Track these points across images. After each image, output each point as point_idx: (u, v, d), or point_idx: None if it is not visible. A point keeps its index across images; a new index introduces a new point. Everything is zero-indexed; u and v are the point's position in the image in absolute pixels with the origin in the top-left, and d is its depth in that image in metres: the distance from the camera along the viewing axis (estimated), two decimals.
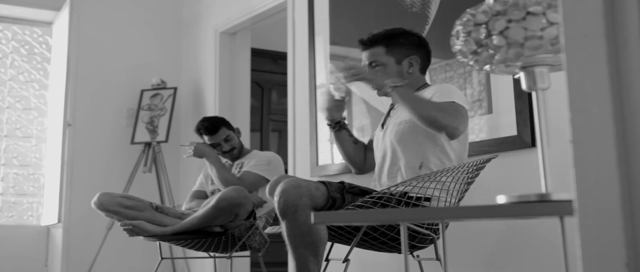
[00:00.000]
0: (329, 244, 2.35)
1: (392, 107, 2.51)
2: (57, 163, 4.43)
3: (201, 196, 3.55)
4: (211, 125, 3.50)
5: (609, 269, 0.66)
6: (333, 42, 3.47)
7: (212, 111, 4.50)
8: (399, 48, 2.39)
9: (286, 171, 3.76)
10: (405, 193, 2.16)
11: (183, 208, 3.50)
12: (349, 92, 2.54)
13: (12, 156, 4.77)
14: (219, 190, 3.24)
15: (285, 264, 3.71)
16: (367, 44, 2.43)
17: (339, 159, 3.30)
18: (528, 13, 1.17)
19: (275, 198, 2.10)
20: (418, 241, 2.24)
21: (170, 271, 4.63)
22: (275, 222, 3.16)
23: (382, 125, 2.49)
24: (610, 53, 0.68)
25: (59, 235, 4.50)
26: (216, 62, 4.60)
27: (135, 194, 3.35)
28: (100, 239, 4.31)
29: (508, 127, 2.50)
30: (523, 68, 1.25)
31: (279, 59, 5.35)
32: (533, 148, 2.40)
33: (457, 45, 1.28)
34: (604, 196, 0.67)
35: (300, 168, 3.61)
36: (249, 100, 4.78)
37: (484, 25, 1.21)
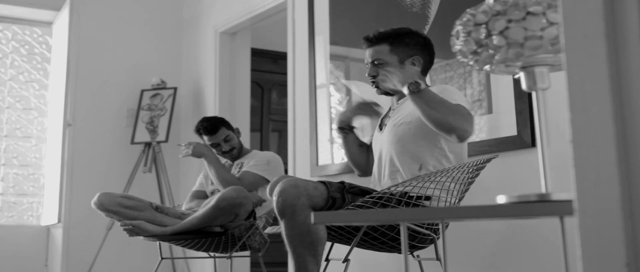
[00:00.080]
0: (328, 244, 2.35)
1: (390, 108, 2.51)
2: (57, 163, 4.43)
3: (201, 196, 3.55)
4: (211, 126, 3.49)
5: (609, 269, 0.66)
6: (333, 42, 3.47)
7: (212, 111, 4.50)
8: (403, 47, 2.38)
9: (286, 171, 3.76)
10: (406, 193, 2.16)
11: (183, 208, 3.50)
12: (348, 93, 2.55)
13: (12, 156, 4.77)
14: (219, 190, 3.24)
15: (285, 264, 3.71)
16: (372, 41, 2.43)
17: (339, 159, 3.31)
18: (528, 13, 1.17)
19: (274, 198, 2.11)
20: (418, 241, 2.24)
21: (170, 271, 4.63)
22: (275, 222, 3.16)
23: (380, 127, 2.49)
24: (610, 53, 0.68)
25: (59, 235, 4.50)
26: (216, 62, 4.60)
27: (135, 194, 3.35)
28: (100, 239, 4.31)
29: (508, 127, 2.50)
30: (523, 68, 1.25)
31: (279, 59, 5.35)
32: (533, 148, 2.40)
33: (457, 45, 1.28)
34: (604, 196, 0.67)
35: (300, 168, 3.61)
36: (249, 100, 4.78)
37: (484, 25, 1.21)
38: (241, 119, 4.58)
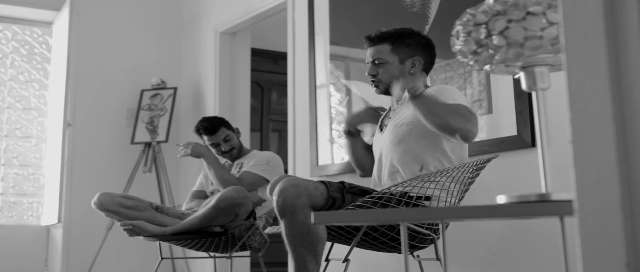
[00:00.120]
0: (328, 244, 2.35)
1: (390, 108, 2.50)
2: (57, 163, 4.43)
3: (201, 196, 3.55)
4: (210, 126, 3.49)
5: (609, 269, 0.66)
6: (333, 42, 3.47)
7: (212, 111, 4.50)
8: (404, 48, 2.39)
9: (286, 171, 3.76)
10: (406, 193, 2.16)
11: (183, 208, 3.50)
12: (348, 93, 2.54)
13: (12, 156, 4.77)
14: (219, 190, 3.24)
15: (285, 264, 3.71)
16: (373, 40, 2.43)
17: (339, 159, 3.31)
18: (528, 13, 1.17)
19: (274, 197, 2.11)
20: (418, 241, 2.24)
21: (170, 271, 4.63)
22: (275, 222, 3.16)
23: (381, 128, 2.48)
24: (610, 53, 0.68)
25: (59, 235, 4.50)
26: (216, 62, 4.60)
27: (135, 194, 3.35)
28: (100, 239, 4.31)
29: (508, 127, 2.50)
30: (523, 68, 1.25)
31: (279, 59, 5.35)
32: (533, 148, 2.40)
33: (457, 45, 1.28)
34: (604, 196, 0.67)
35: (300, 168, 3.61)
36: (249, 100, 4.78)
37: (484, 25, 1.21)
38: (241, 119, 4.58)
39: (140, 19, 4.97)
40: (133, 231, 3.02)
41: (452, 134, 2.12)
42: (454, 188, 2.16)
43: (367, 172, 2.62)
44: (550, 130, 2.16)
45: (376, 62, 2.42)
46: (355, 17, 3.33)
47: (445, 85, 2.44)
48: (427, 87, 2.41)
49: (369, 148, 2.62)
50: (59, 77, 4.55)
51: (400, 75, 2.39)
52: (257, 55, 5.26)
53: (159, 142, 4.55)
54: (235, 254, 3.36)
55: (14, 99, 4.84)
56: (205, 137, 3.52)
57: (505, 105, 2.52)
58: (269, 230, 2.84)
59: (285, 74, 3.94)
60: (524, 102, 2.44)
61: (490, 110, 2.59)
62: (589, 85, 0.69)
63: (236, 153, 3.55)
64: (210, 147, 3.52)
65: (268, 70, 5.56)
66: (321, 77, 3.51)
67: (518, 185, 2.41)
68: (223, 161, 3.59)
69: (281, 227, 2.12)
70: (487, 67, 1.26)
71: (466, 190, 2.25)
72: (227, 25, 4.55)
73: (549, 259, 2.30)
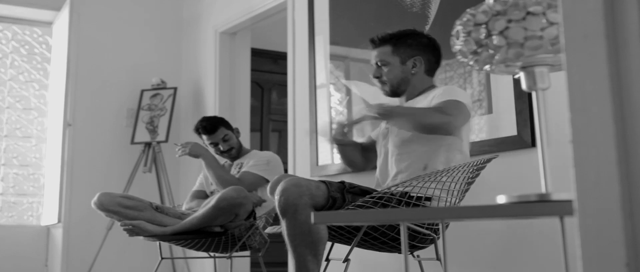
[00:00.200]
0: (329, 244, 2.34)
1: None
2: (57, 163, 4.43)
3: (201, 196, 3.55)
4: (209, 125, 3.50)
5: (609, 269, 0.66)
6: (333, 42, 3.47)
7: (212, 111, 4.50)
8: (404, 48, 2.40)
9: (286, 171, 3.76)
10: (406, 193, 2.16)
11: (183, 208, 3.50)
12: (348, 93, 2.55)
13: (12, 156, 4.77)
14: (219, 190, 3.24)
15: (285, 264, 3.71)
16: (376, 42, 2.45)
17: (338, 159, 3.31)
18: (528, 13, 1.17)
19: (276, 197, 2.10)
20: (418, 241, 2.24)
21: (170, 271, 4.63)
22: (275, 222, 3.16)
23: (386, 128, 2.48)
24: (610, 53, 0.68)
25: (59, 235, 4.50)
26: (216, 62, 4.60)
27: (135, 194, 3.35)
28: (100, 239, 4.31)
29: (508, 127, 2.50)
30: (523, 68, 1.25)
31: (279, 59, 5.35)
32: (533, 148, 2.40)
33: (457, 45, 1.28)
34: (604, 196, 0.67)
35: (300, 168, 3.61)
36: (249, 100, 4.78)
37: (484, 25, 1.21)
38: (241, 119, 4.58)
39: (140, 19, 4.97)
40: (133, 231, 3.02)
41: (436, 131, 2.20)
42: (454, 188, 2.16)
43: (360, 168, 2.63)
44: (550, 131, 2.16)
45: (379, 63, 2.43)
46: (355, 17, 3.33)
47: (448, 86, 2.44)
48: (433, 87, 2.41)
49: (358, 145, 2.62)
50: (59, 77, 4.55)
51: (403, 75, 2.39)
52: (257, 55, 5.26)
53: (159, 142, 4.55)
54: (235, 254, 3.36)
55: (14, 99, 4.84)
56: (204, 137, 3.52)
57: (505, 105, 2.52)
58: (269, 230, 2.84)
59: (285, 74, 3.94)
60: (524, 102, 2.44)
61: (490, 110, 2.59)
62: (589, 85, 0.69)
63: (235, 153, 3.55)
64: (209, 147, 3.52)
65: (268, 70, 5.56)
66: (321, 77, 3.51)
67: (518, 185, 2.41)
68: (223, 161, 3.59)
69: (282, 227, 2.12)
70: (487, 67, 1.26)
71: (466, 190, 2.25)
72: (227, 25, 4.55)
73: (549, 259, 2.30)
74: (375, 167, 2.54)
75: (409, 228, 2.16)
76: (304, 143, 3.59)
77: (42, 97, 4.91)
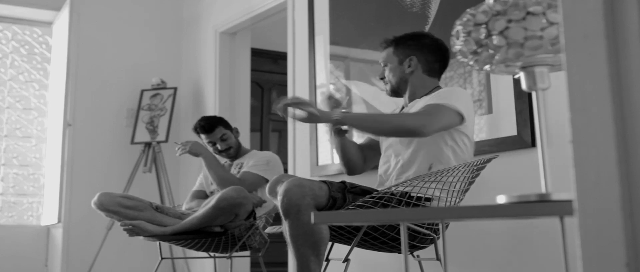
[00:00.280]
0: (329, 244, 2.34)
1: (402, 107, 2.50)
2: (57, 163, 4.43)
3: (201, 196, 3.55)
4: (207, 124, 3.51)
5: (609, 269, 0.66)
6: (333, 42, 3.47)
7: (212, 111, 4.50)
8: (403, 48, 2.42)
9: (286, 171, 3.76)
10: (406, 193, 2.16)
11: (183, 208, 3.51)
12: (348, 93, 2.55)
13: (12, 156, 4.77)
14: (219, 190, 3.24)
15: (285, 264, 3.71)
16: (383, 45, 2.49)
17: (338, 159, 3.30)
18: (528, 13, 1.17)
19: (278, 197, 2.10)
20: (418, 241, 2.24)
21: (170, 271, 4.63)
22: (275, 222, 3.16)
23: None
24: (610, 53, 0.68)
25: (59, 235, 4.50)
26: (216, 62, 4.60)
27: (135, 194, 3.35)
28: (100, 239, 4.31)
29: (508, 127, 2.50)
30: (523, 68, 1.25)
31: (279, 59, 5.35)
32: (533, 148, 2.40)
33: (457, 45, 1.28)
34: (604, 196, 0.67)
35: (300, 168, 3.61)
36: (249, 100, 4.78)
37: (484, 25, 1.21)
38: (241, 119, 4.58)
39: (140, 19, 4.97)
40: (133, 231, 3.02)
41: (401, 134, 2.26)
42: (454, 188, 2.16)
43: (360, 170, 2.61)
44: (550, 131, 2.16)
45: (383, 65, 2.48)
46: (355, 17, 3.33)
47: (449, 87, 2.44)
48: (438, 88, 2.40)
49: (358, 147, 2.61)
50: (59, 77, 4.55)
51: (400, 75, 2.41)
52: (257, 55, 5.26)
53: (159, 142, 4.55)
54: (235, 254, 3.36)
55: (14, 99, 4.84)
56: (202, 136, 3.53)
57: (505, 105, 2.52)
58: (269, 230, 2.84)
59: (285, 74, 3.94)
60: (524, 102, 2.44)
61: (490, 110, 2.59)
62: (589, 85, 0.69)
63: (233, 152, 3.56)
64: (207, 146, 3.52)
65: (268, 70, 5.56)
66: (321, 77, 3.51)
67: (518, 185, 2.41)
68: (223, 160, 3.60)
69: (285, 227, 2.12)
70: (487, 67, 1.26)
71: (466, 190, 2.25)
72: (227, 25, 4.55)
73: (549, 259, 2.30)
74: (375, 168, 2.54)
75: (409, 228, 2.16)
76: (304, 143, 3.59)
77: (42, 97, 4.91)
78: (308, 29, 3.63)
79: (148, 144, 4.58)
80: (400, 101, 2.56)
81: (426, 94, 2.37)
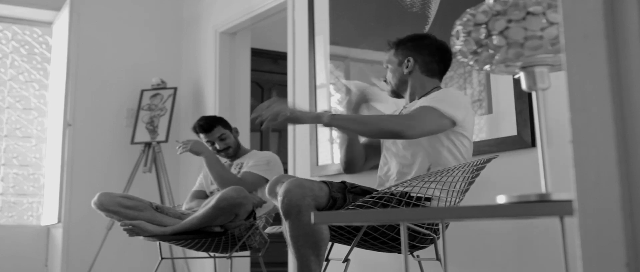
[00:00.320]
0: (329, 244, 2.34)
1: (404, 107, 2.50)
2: (57, 163, 4.43)
3: (201, 196, 3.55)
4: (206, 124, 3.52)
5: (609, 269, 0.66)
6: (333, 42, 3.47)
7: (212, 111, 4.50)
8: (402, 50, 2.43)
9: (286, 171, 3.76)
10: (406, 193, 2.16)
11: (183, 208, 3.50)
12: (349, 92, 2.55)
13: (12, 156, 4.77)
14: (219, 190, 3.24)
15: (285, 264, 3.71)
16: (387, 47, 2.51)
17: (338, 159, 3.30)
18: (528, 13, 1.17)
19: (279, 198, 2.10)
20: (418, 241, 2.24)
21: (170, 271, 4.63)
22: (275, 222, 3.16)
23: None
24: (610, 53, 0.68)
25: (59, 235, 4.50)
26: (216, 62, 4.60)
27: (135, 194, 3.35)
28: (100, 239, 4.31)
29: (508, 127, 2.50)
30: (523, 68, 1.25)
31: (279, 59, 5.35)
32: (533, 148, 2.40)
33: (457, 45, 1.28)
34: (604, 196, 0.67)
35: (300, 168, 3.61)
36: (249, 100, 4.78)
37: (484, 25, 1.21)
38: (241, 119, 4.58)
39: (140, 19, 4.97)
40: (133, 231, 3.02)
41: (385, 136, 2.31)
42: (454, 188, 2.16)
43: (354, 169, 2.59)
44: (550, 131, 2.16)
45: (386, 66, 2.49)
46: (355, 17, 3.33)
47: (445, 89, 2.43)
48: (438, 88, 2.40)
49: (362, 145, 2.60)
50: (59, 77, 4.55)
51: (399, 76, 2.42)
52: (257, 55, 5.26)
53: (159, 142, 4.55)
54: (235, 254, 3.36)
55: (14, 99, 4.84)
56: (201, 135, 3.54)
57: (505, 105, 2.52)
58: (269, 230, 2.84)
59: (285, 74, 3.94)
60: (524, 102, 2.44)
61: (490, 110, 2.59)
62: (589, 85, 0.69)
63: (232, 152, 3.56)
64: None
65: (268, 70, 5.56)
66: (321, 77, 3.51)
67: (518, 185, 2.41)
68: (223, 160, 3.60)
69: (285, 228, 2.12)
70: (487, 67, 1.26)
71: (466, 190, 2.25)
72: (227, 25, 4.55)
73: (549, 259, 2.30)
74: (374, 168, 2.54)
75: (409, 228, 2.16)
76: (304, 143, 3.59)
77: (42, 97, 4.91)
78: (308, 29, 3.63)
79: (148, 144, 4.58)
80: (401, 102, 2.57)
81: (425, 95, 2.37)
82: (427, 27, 2.87)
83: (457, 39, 1.27)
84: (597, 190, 0.68)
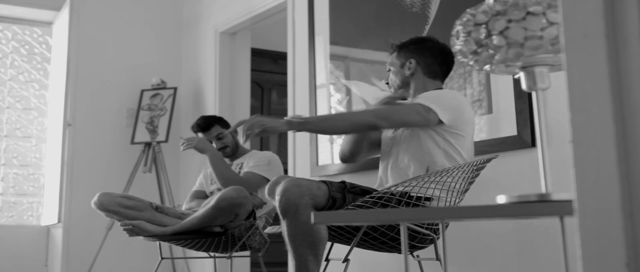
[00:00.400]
0: (328, 244, 2.34)
1: None
2: (57, 163, 4.43)
3: (201, 196, 3.55)
4: (203, 123, 3.53)
5: (609, 269, 0.66)
6: (333, 42, 3.47)
7: (212, 111, 4.50)
8: (405, 52, 2.45)
9: (286, 171, 3.76)
10: (406, 193, 2.16)
11: (183, 208, 3.51)
12: (349, 92, 2.55)
13: (12, 156, 4.77)
14: (219, 190, 3.24)
15: (285, 264, 3.71)
16: (391, 49, 2.52)
17: (338, 159, 3.30)
18: (528, 13, 1.17)
19: (277, 197, 2.10)
20: (418, 241, 2.24)
21: (170, 271, 4.63)
22: (275, 222, 3.16)
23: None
24: (610, 53, 0.68)
25: (59, 235, 4.50)
26: (216, 62, 4.60)
27: (135, 194, 3.35)
28: (100, 239, 4.31)
29: (508, 127, 2.50)
30: (523, 68, 1.25)
31: (279, 59, 5.35)
32: (533, 148, 2.40)
33: (457, 45, 1.28)
34: (604, 196, 0.67)
35: (300, 168, 3.61)
36: (249, 100, 4.78)
37: (484, 25, 1.21)
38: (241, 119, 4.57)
39: (140, 19, 4.97)
40: (133, 231, 3.02)
41: (368, 129, 2.33)
42: (454, 188, 2.16)
43: (351, 159, 2.58)
44: (550, 131, 2.16)
45: (388, 69, 2.50)
46: (355, 17, 3.33)
47: (438, 90, 2.42)
48: (439, 89, 2.41)
49: (369, 142, 2.58)
50: (59, 77, 4.55)
51: (401, 77, 2.43)
52: (257, 55, 5.26)
53: (159, 142, 4.55)
54: (235, 254, 3.36)
55: (14, 99, 4.84)
56: (199, 134, 3.55)
57: (505, 105, 2.52)
58: (269, 230, 2.84)
59: (285, 74, 3.94)
60: (524, 102, 2.44)
61: (490, 110, 2.59)
62: (589, 85, 0.69)
63: (229, 152, 3.56)
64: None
65: (268, 70, 5.56)
66: (321, 77, 3.51)
67: (518, 185, 2.41)
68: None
69: (283, 227, 2.12)
70: (487, 67, 1.26)
71: (466, 190, 2.25)
72: (227, 25, 4.55)
73: (549, 259, 2.30)
74: (374, 168, 2.54)
75: (408, 228, 2.16)
76: (304, 143, 3.59)
77: (42, 97, 4.91)
78: (308, 29, 3.63)
79: (148, 144, 4.58)
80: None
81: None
82: (427, 27, 2.87)
83: (457, 39, 1.27)
84: (597, 190, 0.68)
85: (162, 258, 3.32)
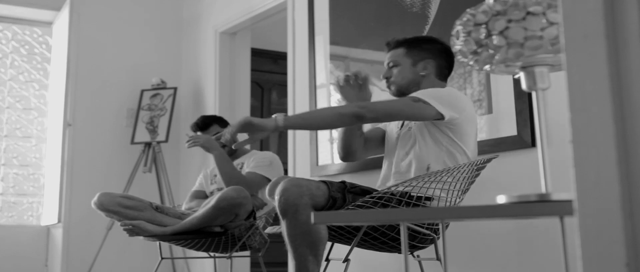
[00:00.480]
0: (329, 244, 2.34)
1: None
2: (57, 163, 4.43)
3: (201, 196, 3.55)
4: (202, 122, 3.54)
5: (609, 269, 0.66)
6: (333, 42, 3.47)
7: (212, 111, 4.50)
8: (418, 51, 2.41)
9: (286, 171, 3.76)
10: (406, 193, 2.16)
11: (183, 208, 3.50)
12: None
13: (12, 156, 4.77)
14: (219, 190, 3.24)
15: (285, 264, 3.71)
16: (391, 45, 2.48)
17: (338, 159, 3.30)
18: (528, 13, 1.17)
19: (276, 197, 2.10)
20: (418, 241, 2.24)
21: (170, 271, 4.63)
22: (275, 222, 3.16)
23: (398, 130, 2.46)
24: (610, 53, 0.68)
25: (59, 235, 4.50)
26: (216, 62, 4.60)
27: (135, 194, 3.35)
28: (100, 239, 4.31)
29: (508, 127, 2.50)
30: (523, 68, 1.25)
31: (279, 59, 5.35)
32: (533, 148, 2.40)
33: (457, 45, 1.28)
34: (604, 196, 0.67)
35: (300, 168, 3.61)
36: (249, 100, 4.78)
37: (484, 25, 1.21)
38: None
39: (140, 19, 4.97)
40: (133, 231, 3.02)
41: (351, 122, 2.27)
42: (454, 188, 2.16)
43: (358, 157, 2.57)
44: (550, 131, 2.16)
45: (390, 64, 2.45)
46: (355, 17, 3.33)
47: (438, 88, 2.42)
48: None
49: (362, 133, 2.57)
50: (59, 77, 4.55)
51: (412, 77, 2.39)
52: (257, 55, 5.26)
53: (159, 142, 4.55)
54: (235, 254, 3.36)
55: (14, 99, 4.84)
56: (198, 133, 3.55)
57: (505, 105, 2.52)
58: (269, 230, 2.84)
59: (285, 74, 3.94)
60: (524, 102, 2.44)
61: (490, 110, 2.59)
62: (589, 85, 0.69)
63: (228, 151, 3.56)
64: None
65: (268, 70, 5.56)
66: (321, 77, 3.51)
67: (518, 185, 2.41)
68: None
69: (283, 227, 2.12)
70: (487, 67, 1.26)
71: (466, 190, 2.25)
72: (227, 25, 4.55)
73: (549, 259, 2.30)
74: (374, 167, 2.54)
75: (409, 228, 2.16)
76: (304, 143, 3.59)
77: (42, 97, 4.91)
78: (308, 29, 3.63)
79: (148, 144, 4.58)
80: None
81: None
82: (427, 27, 2.87)
83: (457, 39, 1.27)
84: (597, 190, 0.68)
85: (162, 258, 3.32)
